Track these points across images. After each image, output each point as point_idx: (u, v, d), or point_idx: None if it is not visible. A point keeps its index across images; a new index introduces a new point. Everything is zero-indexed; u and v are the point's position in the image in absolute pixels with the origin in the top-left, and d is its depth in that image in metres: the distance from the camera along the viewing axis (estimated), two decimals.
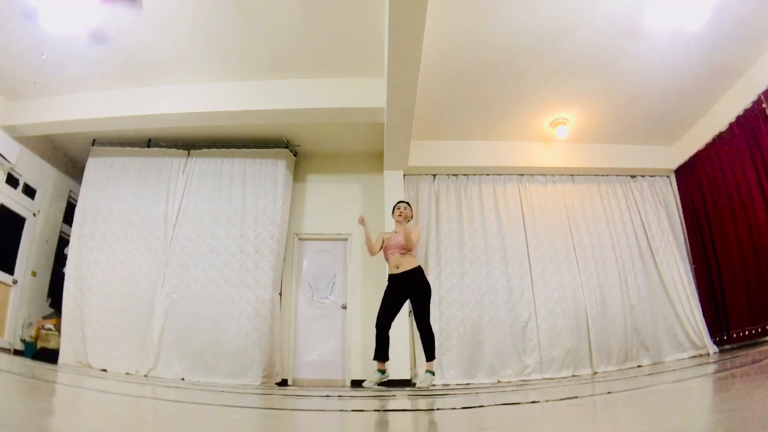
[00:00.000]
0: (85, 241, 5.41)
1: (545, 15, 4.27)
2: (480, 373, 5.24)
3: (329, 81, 5.21)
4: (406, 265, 4.03)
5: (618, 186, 6.28)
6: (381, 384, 3.92)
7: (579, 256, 5.82)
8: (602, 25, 4.37)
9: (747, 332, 4.94)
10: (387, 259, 4.17)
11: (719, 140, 5.45)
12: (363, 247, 5.54)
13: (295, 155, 6.11)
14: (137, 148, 5.89)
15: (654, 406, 1.44)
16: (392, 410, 1.96)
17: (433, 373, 3.96)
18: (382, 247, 4.21)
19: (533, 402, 2.07)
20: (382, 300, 4.05)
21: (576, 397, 2.14)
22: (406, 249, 4.06)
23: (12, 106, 5.41)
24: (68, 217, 6.02)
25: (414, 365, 5.28)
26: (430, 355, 3.94)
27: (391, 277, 4.09)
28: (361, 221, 4.15)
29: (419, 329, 3.94)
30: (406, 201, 4.50)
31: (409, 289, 3.99)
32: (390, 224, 4.79)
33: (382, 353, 3.91)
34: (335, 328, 5.71)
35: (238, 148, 5.92)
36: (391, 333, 4.10)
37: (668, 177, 6.35)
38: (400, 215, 4.24)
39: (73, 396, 2.11)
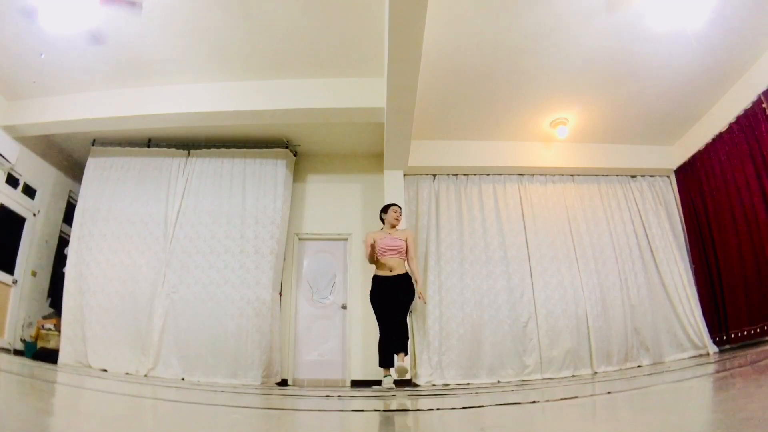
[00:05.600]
0: (85, 241, 5.41)
1: (545, 15, 4.27)
2: (480, 373, 5.23)
3: (329, 81, 5.21)
4: (399, 269, 4.13)
5: (618, 186, 6.28)
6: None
7: (579, 255, 5.82)
8: (602, 26, 4.37)
9: (746, 332, 4.94)
10: (378, 260, 4.17)
11: (719, 140, 5.45)
12: (363, 247, 5.55)
13: (295, 155, 6.10)
14: (137, 148, 5.89)
15: (654, 406, 1.44)
16: (392, 410, 1.96)
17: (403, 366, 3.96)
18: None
19: (533, 402, 2.07)
20: (376, 306, 4.09)
21: (576, 397, 2.14)
22: (403, 253, 4.18)
23: (12, 106, 5.41)
24: (68, 217, 6.02)
25: (414, 365, 5.28)
26: (403, 347, 3.95)
27: (381, 279, 4.12)
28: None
29: (395, 324, 3.97)
30: (399, 205, 4.58)
31: (398, 293, 4.06)
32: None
33: (389, 359, 3.96)
34: (335, 328, 5.71)
35: (238, 148, 5.91)
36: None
37: (668, 177, 6.35)
38: (397, 219, 4.33)
39: (73, 396, 2.10)
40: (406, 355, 4.00)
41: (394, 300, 4.05)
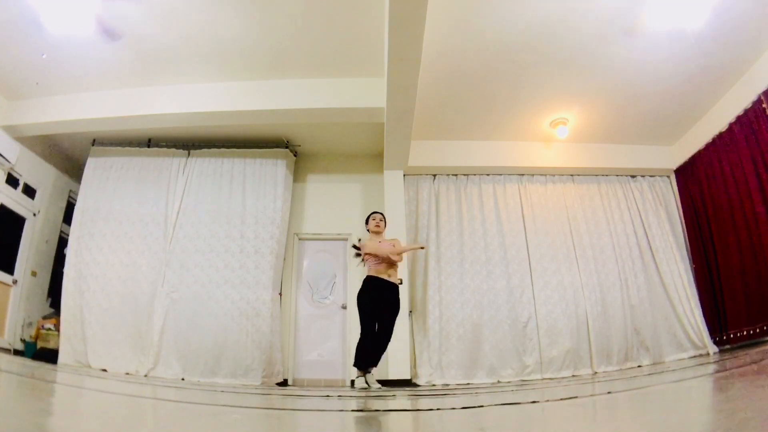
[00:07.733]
0: (84, 241, 5.41)
1: (545, 14, 4.27)
2: (480, 373, 5.24)
3: (329, 81, 5.21)
4: (394, 277, 4.11)
5: (618, 186, 6.28)
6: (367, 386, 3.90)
7: (579, 256, 5.82)
8: (602, 25, 4.37)
9: (746, 332, 4.94)
10: (375, 264, 4.11)
11: (719, 140, 5.45)
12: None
13: (295, 155, 6.11)
14: (137, 148, 5.89)
15: (654, 406, 1.44)
16: (392, 410, 1.96)
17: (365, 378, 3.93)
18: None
19: (533, 402, 2.07)
20: (367, 306, 3.98)
21: (576, 397, 2.14)
22: (394, 260, 4.14)
23: (12, 106, 5.41)
24: (68, 217, 6.01)
25: (414, 365, 5.28)
26: (375, 361, 3.96)
27: (377, 281, 4.04)
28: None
29: (386, 334, 3.96)
30: (380, 212, 4.50)
31: (390, 301, 4.02)
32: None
33: (374, 359, 3.94)
34: (335, 328, 5.71)
35: (238, 148, 5.91)
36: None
37: (668, 177, 6.35)
38: (377, 227, 4.27)
39: (73, 396, 2.11)
40: (374, 367, 4.02)
41: (387, 307, 4.01)
